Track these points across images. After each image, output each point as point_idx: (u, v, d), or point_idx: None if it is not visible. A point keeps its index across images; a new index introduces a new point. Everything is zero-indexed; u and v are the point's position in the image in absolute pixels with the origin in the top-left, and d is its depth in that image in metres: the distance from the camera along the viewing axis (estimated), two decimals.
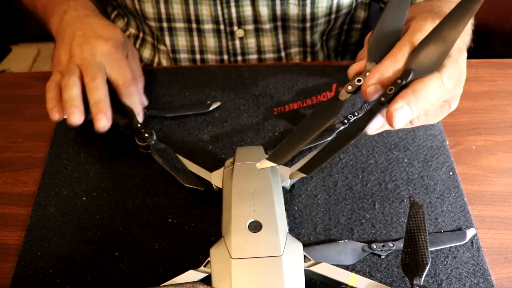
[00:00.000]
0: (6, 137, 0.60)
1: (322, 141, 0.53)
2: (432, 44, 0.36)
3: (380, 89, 0.37)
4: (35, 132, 0.60)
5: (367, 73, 0.38)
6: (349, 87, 0.39)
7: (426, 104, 0.37)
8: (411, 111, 0.36)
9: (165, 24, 0.71)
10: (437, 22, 0.39)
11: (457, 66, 0.39)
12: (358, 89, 0.39)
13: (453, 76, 0.39)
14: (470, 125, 0.61)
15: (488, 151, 0.58)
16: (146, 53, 0.80)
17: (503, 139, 0.59)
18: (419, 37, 0.38)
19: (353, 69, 0.40)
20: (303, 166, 0.40)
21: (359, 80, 0.38)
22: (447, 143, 0.58)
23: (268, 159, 0.40)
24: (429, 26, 0.39)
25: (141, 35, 0.79)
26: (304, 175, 0.41)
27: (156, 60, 0.79)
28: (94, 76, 0.52)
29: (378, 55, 0.39)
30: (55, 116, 0.52)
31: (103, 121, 0.51)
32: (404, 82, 0.36)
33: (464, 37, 0.53)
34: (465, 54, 0.41)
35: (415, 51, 0.37)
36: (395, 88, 0.36)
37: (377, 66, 0.38)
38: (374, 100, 0.38)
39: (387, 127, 0.39)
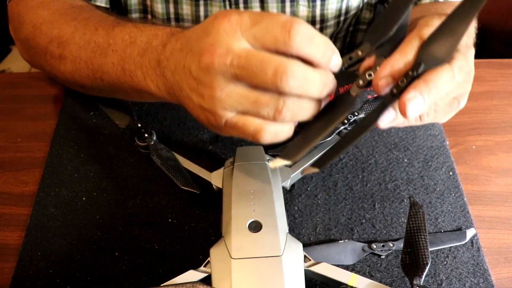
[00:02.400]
0: (6, 137, 0.60)
1: (322, 141, 0.53)
2: (441, 36, 0.37)
3: (392, 81, 0.37)
4: (35, 132, 0.60)
5: (378, 67, 0.38)
6: (360, 82, 0.39)
7: (438, 94, 0.37)
8: (423, 101, 0.36)
9: (173, 24, 0.71)
10: (443, 18, 0.39)
11: (466, 60, 0.39)
12: (369, 83, 0.39)
13: (463, 69, 0.39)
14: (470, 125, 0.61)
15: (488, 151, 0.58)
16: None
17: (503, 139, 0.59)
18: (427, 31, 0.38)
19: (363, 64, 0.40)
20: (317, 162, 0.40)
21: (370, 75, 0.39)
22: (447, 143, 0.58)
23: (281, 157, 0.39)
24: (436, 22, 0.39)
25: None
26: (317, 170, 0.40)
27: None
28: None
29: (387, 50, 0.39)
30: None
31: None
32: (415, 74, 0.36)
33: (471, 33, 0.53)
34: (473, 50, 0.42)
35: (425, 44, 0.37)
36: (407, 79, 0.36)
37: (388, 59, 0.38)
38: (385, 93, 0.38)
39: (399, 120, 0.39)
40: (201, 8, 0.68)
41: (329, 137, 0.53)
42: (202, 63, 0.35)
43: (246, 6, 0.68)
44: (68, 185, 0.54)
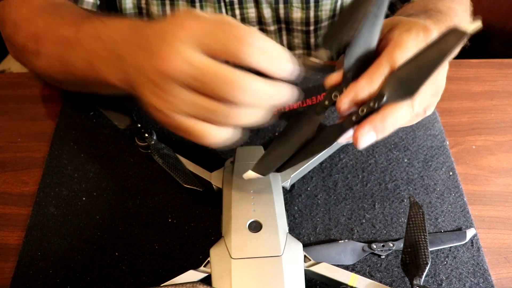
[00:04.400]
0: (6, 137, 0.60)
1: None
2: (410, 71, 0.36)
3: (354, 106, 0.39)
4: (35, 132, 0.60)
5: (344, 88, 0.39)
6: (326, 102, 0.40)
7: (393, 128, 0.38)
8: (376, 136, 0.38)
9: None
10: (421, 35, 0.39)
11: (434, 85, 0.40)
12: (333, 103, 0.40)
13: (425, 100, 0.39)
14: (470, 125, 0.61)
15: (488, 151, 0.58)
16: None
17: (503, 139, 0.59)
18: (399, 55, 0.38)
19: (331, 80, 0.40)
20: (278, 167, 0.43)
21: (335, 96, 0.40)
22: (447, 143, 0.58)
23: (253, 170, 0.43)
24: (411, 42, 0.39)
25: None
26: (261, 176, 0.43)
27: None
28: None
29: (355, 67, 0.39)
30: None
31: None
32: (376, 106, 0.37)
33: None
34: (446, 68, 0.41)
35: (393, 75, 0.37)
36: (367, 109, 0.38)
37: (353, 85, 0.38)
38: (346, 114, 0.39)
39: None
40: (197, 10, 0.68)
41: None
42: (157, 68, 0.35)
43: (241, 7, 0.68)
44: (68, 185, 0.54)
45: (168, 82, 0.35)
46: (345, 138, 0.40)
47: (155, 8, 0.69)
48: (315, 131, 0.41)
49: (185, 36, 0.35)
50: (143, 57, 0.38)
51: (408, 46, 0.38)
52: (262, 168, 0.43)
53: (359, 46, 0.39)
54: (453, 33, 0.34)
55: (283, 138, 0.42)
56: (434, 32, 0.40)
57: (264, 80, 0.36)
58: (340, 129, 0.39)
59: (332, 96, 0.40)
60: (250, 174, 0.43)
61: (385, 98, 0.37)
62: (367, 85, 0.38)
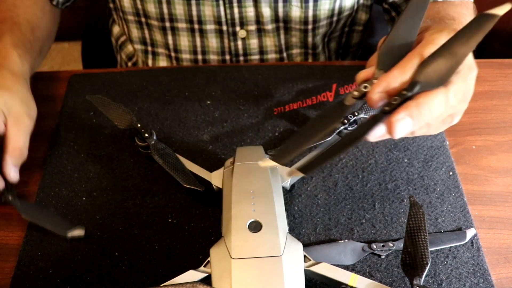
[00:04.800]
0: None
1: (322, 141, 0.53)
2: (441, 58, 0.36)
3: (386, 97, 0.38)
4: (35, 132, 0.60)
5: (374, 81, 0.38)
6: (355, 93, 0.39)
7: (429, 118, 0.37)
8: (412, 123, 0.36)
9: (167, 24, 0.71)
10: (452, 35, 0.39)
11: (465, 83, 0.39)
12: (364, 95, 0.39)
13: (459, 93, 0.39)
14: (470, 125, 0.61)
15: (488, 151, 0.58)
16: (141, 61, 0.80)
17: (503, 139, 0.59)
18: (430, 50, 0.38)
19: (362, 75, 0.40)
20: (303, 166, 0.40)
21: (365, 87, 0.39)
22: (447, 143, 0.58)
23: (271, 158, 0.41)
24: (443, 40, 0.39)
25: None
26: (302, 175, 0.41)
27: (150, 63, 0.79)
28: None
29: (388, 64, 0.39)
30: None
31: None
32: (409, 94, 0.36)
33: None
34: (475, 72, 0.41)
35: (424, 63, 0.37)
36: (400, 98, 0.36)
37: (385, 75, 0.38)
38: (378, 107, 0.38)
39: (388, 136, 0.40)
40: (194, 8, 0.68)
41: (322, 140, 0.53)
42: None
43: (240, 5, 0.68)
44: (68, 185, 0.54)
45: None
46: (377, 135, 0.38)
47: (151, 6, 0.69)
48: (338, 123, 0.40)
49: None
50: None
51: (439, 43, 0.38)
52: (280, 156, 0.41)
53: (393, 44, 0.39)
54: (484, 18, 0.34)
55: (306, 126, 0.42)
56: None
57: None
58: (373, 122, 0.37)
59: (362, 87, 0.39)
60: (267, 162, 0.42)
61: (418, 86, 0.36)
62: (399, 75, 0.37)
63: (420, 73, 0.37)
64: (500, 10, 0.34)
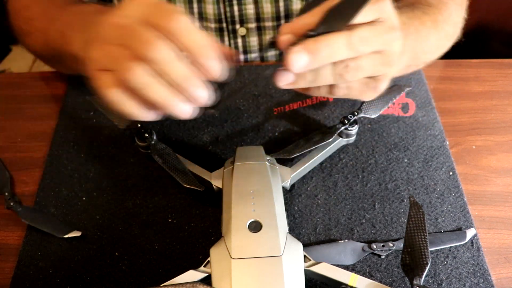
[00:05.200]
0: (6, 137, 0.60)
1: (323, 143, 0.53)
2: (345, 3, 0.37)
3: (292, 39, 0.38)
4: (35, 132, 0.60)
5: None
6: (267, 37, 0.42)
7: (329, 57, 0.37)
8: (307, 58, 0.37)
9: None
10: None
11: (379, 38, 0.39)
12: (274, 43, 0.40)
13: (368, 41, 0.38)
14: (470, 125, 0.61)
15: (488, 151, 0.58)
16: None
17: (503, 139, 0.59)
18: None
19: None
20: (214, 105, 0.41)
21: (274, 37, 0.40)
22: (447, 143, 0.58)
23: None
24: None
25: None
26: (214, 112, 0.43)
27: None
28: None
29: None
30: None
31: None
32: (312, 33, 0.37)
33: (418, 26, 0.53)
34: (396, 33, 0.40)
35: (330, 8, 0.38)
36: (304, 36, 0.37)
37: (295, 19, 0.39)
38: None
39: (298, 85, 0.40)
40: (195, 5, 0.68)
41: (329, 140, 0.53)
42: (104, 22, 0.39)
43: (239, 3, 0.68)
44: (68, 185, 0.54)
45: (106, 33, 0.39)
46: (284, 79, 0.39)
47: None
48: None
49: (136, 3, 0.38)
50: (101, 19, 0.41)
51: None
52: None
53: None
54: None
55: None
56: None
57: (180, 58, 0.37)
58: (280, 58, 0.38)
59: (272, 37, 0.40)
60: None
61: (321, 27, 0.37)
62: (308, 18, 0.38)
63: (325, 16, 0.37)
64: None
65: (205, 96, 0.38)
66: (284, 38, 0.38)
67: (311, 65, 0.37)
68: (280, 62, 0.38)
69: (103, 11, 0.45)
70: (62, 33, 0.51)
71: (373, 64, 0.40)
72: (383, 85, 0.43)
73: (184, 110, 0.38)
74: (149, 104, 0.39)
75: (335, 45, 0.37)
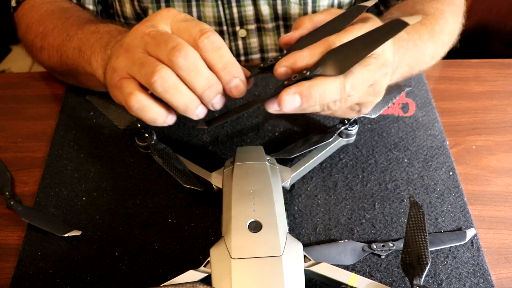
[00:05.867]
0: (6, 137, 0.60)
1: (323, 143, 0.53)
2: (345, 50, 0.38)
3: (290, 73, 0.40)
4: (35, 132, 0.60)
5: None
6: (262, 64, 0.42)
7: (320, 101, 0.38)
8: (300, 101, 0.38)
9: None
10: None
11: (371, 77, 0.40)
12: (270, 67, 0.41)
13: (360, 86, 0.40)
14: (470, 125, 0.61)
15: (488, 151, 0.58)
16: None
17: (503, 139, 0.59)
18: (344, 39, 0.39)
19: (284, 39, 0.43)
20: (208, 120, 0.44)
21: (276, 59, 0.41)
22: (447, 143, 0.58)
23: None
24: (362, 31, 0.40)
25: None
26: (207, 127, 0.44)
27: None
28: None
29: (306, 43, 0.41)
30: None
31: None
32: (307, 74, 0.38)
33: (425, 52, 0.55)
34: (388, 69, 0.42)
35: (331, 51, 0.38)
36: (299, 76, 0.38)
37: (295, 52, 0.40)
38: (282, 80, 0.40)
39: (287, 112, 0.41)
40: (194, 9, 0.69)
41: (329, 140, 0.53)
42: (131, 33, 0.41)
43: (238, 5, 0.68)
44: (68, 185, 0.54)
45: (132, 39, 0.40)
46: (272, 107, 0.40)
47: (150, 12, 0.69)
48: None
49: (165, 15, 0.41)
50: (125, 35, 0.43)
51: (356, 34, 0.39)
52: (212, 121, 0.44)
53: (325, 30, 0.41)
54: (397, 24, 0.35)
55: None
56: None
57: (206, 65, 0.39)
58: (273, 93, 0.40)
59: (274, 58, 0.41)
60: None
61: (318, 69, 0.38)
62: (307, 56, 0.39)
63: (324, 58, 0.38)
64: (412, 20, 0.35)
65: (221, 104, 0.41)
66: (282, 70, 0.40)
67: (302, 107, 0.39)
68: (274, 94, 0.40)
69: (123, 31, 0.49)
70: (80, 51, 0.52)
71: (360, 96, 0.42)
72: (368, 110, 0.45)
73: (200, 113, 0.41)
74: (169, 108, 0.41)
75: (328, 90, 0.38)
